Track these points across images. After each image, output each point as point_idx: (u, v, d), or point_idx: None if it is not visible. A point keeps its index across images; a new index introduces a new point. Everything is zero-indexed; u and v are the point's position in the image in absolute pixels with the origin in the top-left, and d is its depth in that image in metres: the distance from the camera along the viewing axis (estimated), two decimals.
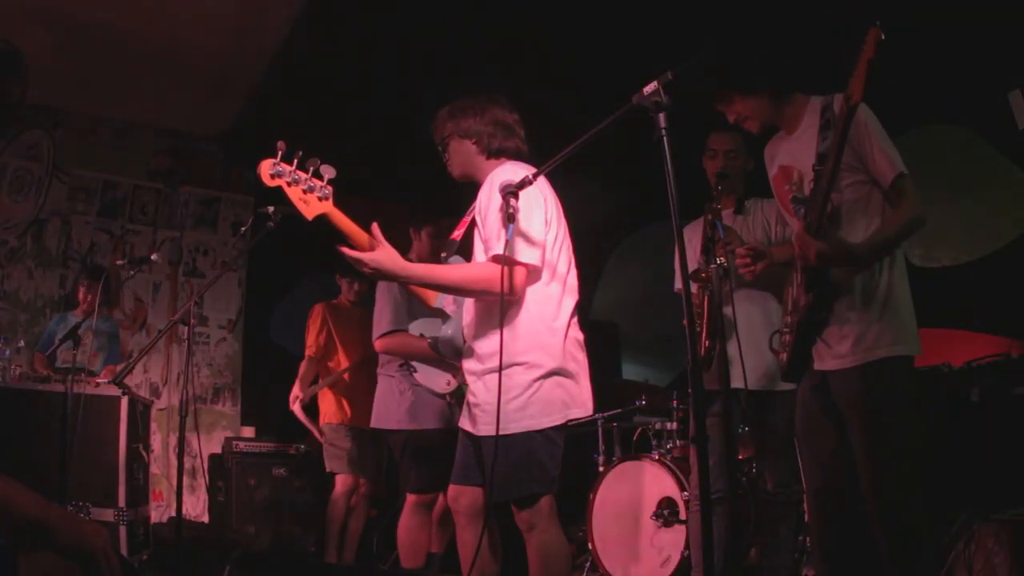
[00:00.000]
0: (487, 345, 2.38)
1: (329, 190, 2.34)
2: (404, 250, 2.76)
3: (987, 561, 2.88)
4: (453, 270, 2.46)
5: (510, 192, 2.16)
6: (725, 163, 3.19)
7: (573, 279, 2.50)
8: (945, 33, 3.90)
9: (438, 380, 3.37)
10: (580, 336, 2.49)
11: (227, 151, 6.20)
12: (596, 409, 4.44)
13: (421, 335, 3.24)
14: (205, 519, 5.41)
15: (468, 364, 2.49)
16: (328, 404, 4.79)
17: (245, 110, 5.67)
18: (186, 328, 3.35)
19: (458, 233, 2.57)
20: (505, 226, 2.16)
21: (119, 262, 4.66)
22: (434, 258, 3.41)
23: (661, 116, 1.85)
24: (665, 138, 1.84)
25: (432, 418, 3.45)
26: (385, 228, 2.45)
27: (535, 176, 2.18)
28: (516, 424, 2.29)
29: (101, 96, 5.57)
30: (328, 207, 2.33)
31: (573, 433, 4.78)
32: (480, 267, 2.39)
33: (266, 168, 2.27)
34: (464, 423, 2.49)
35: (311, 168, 2.30)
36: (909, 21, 2.97)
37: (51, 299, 5.60)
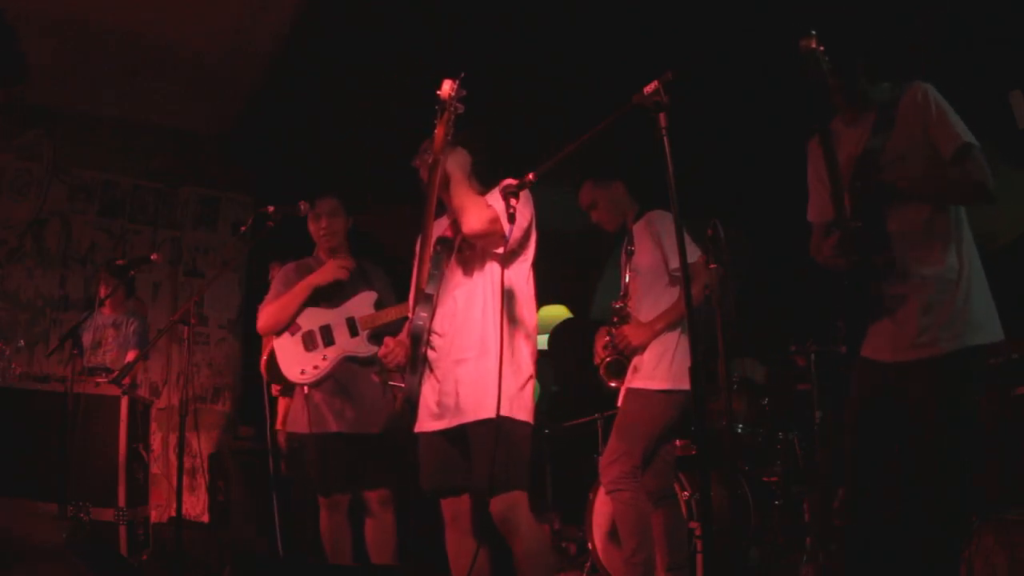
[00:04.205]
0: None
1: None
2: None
3: (987, 561, 2.88)
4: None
5: (511, 192, 2.20)
6: (594, 218, 3.40)
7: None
8: (945, 33, 3.90)
9: (292, 369, 3.30)
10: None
11: (227, 151, 6.20)
12: (595, 409, 4.50)
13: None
14: (205, 519, 5.41)
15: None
16: None
17: (245, 110, 5.67)
18: (186, 328, 3.35)
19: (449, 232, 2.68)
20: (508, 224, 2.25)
21: (119, 262, 4.64)
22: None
23: (661, 116, 1.86)
24: (665, 138, 1.85)
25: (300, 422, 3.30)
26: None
27: (536, 175, 2.20)
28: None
29: (101, 96, 5.57)
30: (447, 155, 2.48)
31: (574, 433, 4.82)
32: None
33: (450, 86, 2.39)
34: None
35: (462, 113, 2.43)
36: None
37: (51, 299, 5.59)
